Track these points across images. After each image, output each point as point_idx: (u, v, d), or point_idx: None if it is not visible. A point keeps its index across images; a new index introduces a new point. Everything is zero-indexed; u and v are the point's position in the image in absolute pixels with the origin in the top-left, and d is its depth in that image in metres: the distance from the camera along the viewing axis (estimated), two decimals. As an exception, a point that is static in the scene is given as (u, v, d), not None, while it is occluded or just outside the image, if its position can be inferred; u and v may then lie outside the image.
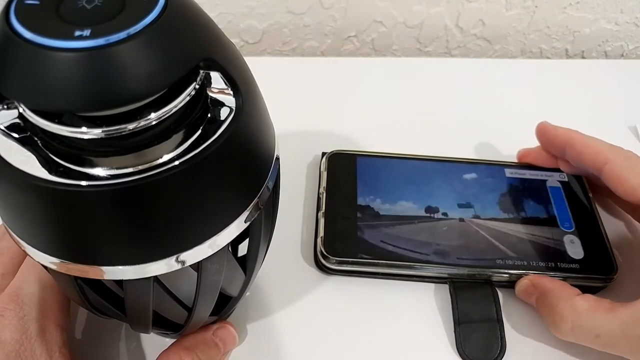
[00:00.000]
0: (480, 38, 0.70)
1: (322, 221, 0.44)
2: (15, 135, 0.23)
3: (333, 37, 0.69)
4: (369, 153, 0.49)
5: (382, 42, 0.70)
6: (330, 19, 0.67)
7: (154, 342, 0.39)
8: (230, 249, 0.28)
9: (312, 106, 0.57)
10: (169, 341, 0.36)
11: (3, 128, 0.23)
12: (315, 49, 0.70)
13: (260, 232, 0.29)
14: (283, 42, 0.69)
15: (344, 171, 0.47)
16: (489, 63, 0.67)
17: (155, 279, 0.26)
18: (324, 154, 0.49)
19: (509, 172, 0.48)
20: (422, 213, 0.45)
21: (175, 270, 0.25)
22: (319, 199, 0.46)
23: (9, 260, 0.33)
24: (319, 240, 0.43)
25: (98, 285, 0.29)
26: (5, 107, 0.23)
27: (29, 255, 0.26)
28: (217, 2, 0.63)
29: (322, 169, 0.48)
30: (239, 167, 0.25)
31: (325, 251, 0.42)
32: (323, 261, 0.42)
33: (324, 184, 0.46)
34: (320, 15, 0.66)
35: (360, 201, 0.45)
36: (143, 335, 0.40)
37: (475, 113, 0.57)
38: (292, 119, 0.54)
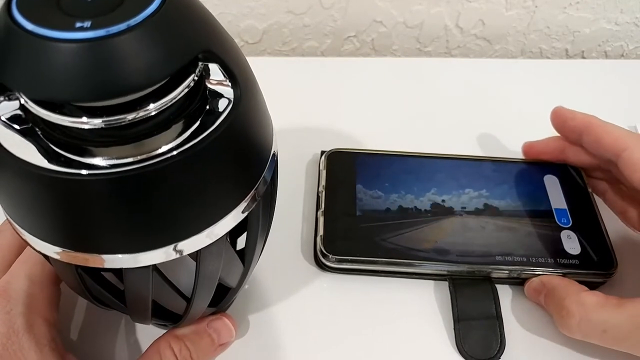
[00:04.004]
0: (480, 38, 0.70)
1: (321, 219, 0.44)
2: (17, 127, 0.23)
3: (333, 37, 0.69)
4: (368, 151, 0.49)
5: (382, 42, 0.70)
6: (330, 19, 0.67)
7: (150, 338, 0.39)
8: (228, 239, 0.28)
9: (311, 106, 0.57)
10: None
11: (4, 119, 0.23)
12: (315, 49, 0.70)
13: (258, 223, 0.29)
14: (283, 42, 0.69)
15: (343, 169, 0.47)
16: (489, 63, 0.67)
17: (155, 268, 0.26)
18: (323, 152, 0.49)
19: (507, 169, 0.49)
20: (421, 211, 0.45)
21: (175, 260, 0.25)
22: (318, 197, 0.46)
23: (0, 257, 0.34)
24: (318, 238, 0.43)
25: (99, 275, 0.29)
26: (7, 98, 0.23)
27: (31, 246, 0.26)
28: (217, 2, 0.64)
29: (321, 168, 0.48)
30: (236, 158, 0.26)
31: (325, 249, 0.42)
32: (323, 259, 0.42)
33: (323, 182, 0.46)
34: (320, 15, 0.66)
35: (360, 199, 0.45)
36: (139, 331, 0.40)
37: (475, 113, 0.57)
38: (292, 119, 0.54)
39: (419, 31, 0.69)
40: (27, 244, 0.26)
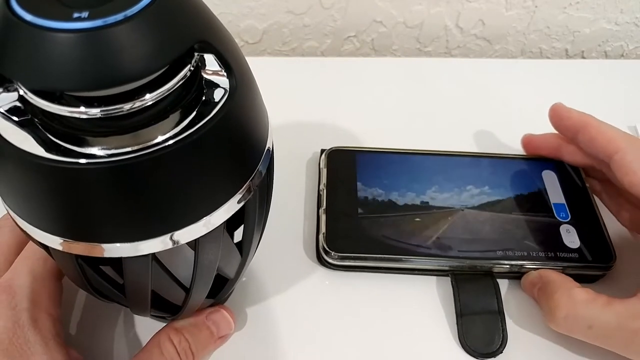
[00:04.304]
0: (480, 38, 0.71)
1: (323, 217, 0.44)
2: (15, 119, 0.23)
3: (333, 37, 0.69)
4: (368, 149, 0.49)
5: (382, 42, 0.70)
6: (330, 19, 0.67)
7: (149, 332, 0.39)
8: (225, 229, 0.28)
9: (311, 106, 0.57)
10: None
11: (3, 111, 0.24)
12: (315, 49, 0.70)
13: (255, 214, 0.30)
14: (283, 42, 0.69)
15: (343, 167, 0.47)
16: (489, 63, 0.67)
17: (154, 257, 0.26)
18: (323, 150, 0.49)
19: (507, 165, 0.49)
20: (423, 207, 0.45)
21: (174, 250, 0.26)
22: (319, 195, 0.46)
23: (1, 255, 0.34)
24: (320, 236, 0.43)
25: (99, 266, 0.29)
26: (6, 90, 0.24)
27: (32, 238, 0.26)
28: (217, 2, 0.64)
29: (321, 166, 0.48)
30: (233, 147, 0.26)
31: (328, 247, 0.42)
32: (325, 257, 0.43)
33: (324, 180, 0.46)
34: (320, 15, 0.66)
35: (361, 196, 0.45)
36: (139, 326, 0.40)
37: (474, 113, 0.57)
38: (292, 118, 0.55)
39: (419, 31, 0.69)
40: (28, 236, 0.26)
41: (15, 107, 0.24)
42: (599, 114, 0.55)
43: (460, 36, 0.70)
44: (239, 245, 0.32)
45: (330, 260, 0.42)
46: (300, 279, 0.43)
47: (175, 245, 0.25)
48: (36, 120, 0.23)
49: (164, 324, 0.36)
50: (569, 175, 0.48)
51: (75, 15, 0.20)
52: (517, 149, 0.51)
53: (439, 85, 0.61)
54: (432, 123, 0.56)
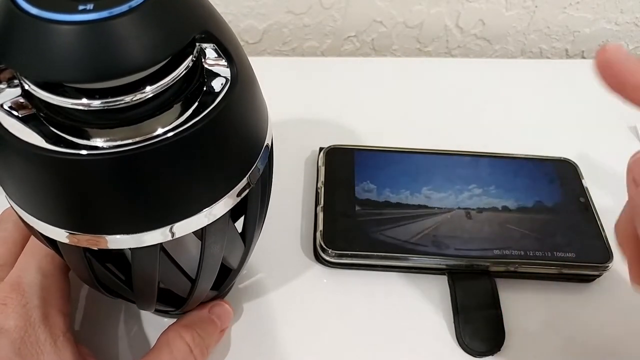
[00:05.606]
0: (480, 38, 0.71)
1: (321, 215, 0.44)
2: (19, 115, 0.23)
3: (333, 37, 0.69)
4: (367, 147, 0.49)
5: (382, 42, 0.70)
6: (330, 19, 0.67)
7: (154, 328, 0.39)
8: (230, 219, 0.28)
9: (311, 105, 0.57)
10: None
11: (7, 108, 0.24)
12: (315, 49, 0.71)
13: (257, 205, 0.30)
14: (283, 42, 0.69)
15: (341, 165, 0.48)
16: (489, 63, 0.68)
17: (161, 247, 0.26)
18: (321, 149, 0.49)
19: (505, 165, 0.49)
20: (420, 205, 0.45)
21: (180, 240, 0.26)
22: (317, 193, 0.46)
23: (6, 251, 0.34)
24: (318, 233, 0.43)
25: (106, 260, 0.29)
26: (9, 85, 0.24)
27: (38, 234, 0.26)
28: (217, 2, 0.64)
29: (319, 164, 0.48)
30: (236, 136, 0.26)
31: (325, 245, 0.42)
32: (322, 254, 0.43)
33: (322, 178, 0.47)
34: (320, 15, 0.66)
35: (359, 195, 0.45)
36: (143, 322, 0.40)
37: (474, 113, 0.57)
38: (291, 117, 0.55)
39: (419, 31, 0.69)
40: (34, 232, 0.26)
41: (19, 102, 0.24)
42: (599, 114, 0.55)
43: (460, 36, 0.70)
44: (241, 235, 0.32)
45: (327, 258, 0.43)
46: (298, 277, 0.43)
47: (178, 237, 0.25)
48: (41, 114, 0.23)
49: (167, 320, 0.36)
50: (568, 175, 0.48)
51: (81, 7, 0.20)
52: (516, 148, 0.51)
53: (439, 85, 0.61)
54: (431, 123, 0.56)
